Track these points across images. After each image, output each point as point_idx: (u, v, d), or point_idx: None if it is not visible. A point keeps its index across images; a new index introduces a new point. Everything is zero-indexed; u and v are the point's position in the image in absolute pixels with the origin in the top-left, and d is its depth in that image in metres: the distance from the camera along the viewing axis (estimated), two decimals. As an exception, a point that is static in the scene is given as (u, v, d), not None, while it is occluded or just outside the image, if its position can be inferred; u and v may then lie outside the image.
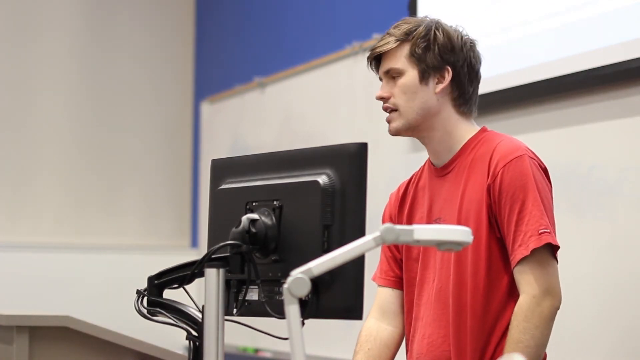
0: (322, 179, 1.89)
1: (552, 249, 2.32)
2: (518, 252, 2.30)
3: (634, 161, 3.03)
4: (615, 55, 3.08)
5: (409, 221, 2.51)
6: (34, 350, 2.32)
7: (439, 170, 2.47)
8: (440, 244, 1.73)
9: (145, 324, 2.12)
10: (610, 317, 3.06)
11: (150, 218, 5.97)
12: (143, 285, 2.04)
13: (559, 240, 2.35)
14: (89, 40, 5.85)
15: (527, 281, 2.29)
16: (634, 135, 3.06)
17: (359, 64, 4.31)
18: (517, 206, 2.31)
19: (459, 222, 2.35)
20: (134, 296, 2.03)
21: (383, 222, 2.59)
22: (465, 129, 2.45)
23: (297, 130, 4.91)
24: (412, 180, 2.57)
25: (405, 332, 2.54)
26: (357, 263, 1.80)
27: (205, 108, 5.88)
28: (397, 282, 2.56)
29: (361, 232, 1.85)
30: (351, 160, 1.89)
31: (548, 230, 2.30)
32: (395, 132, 2.46)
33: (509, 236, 2.32)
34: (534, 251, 2.28)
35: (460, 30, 2.47)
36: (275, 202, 1.96)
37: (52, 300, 5.33)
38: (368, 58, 2.49)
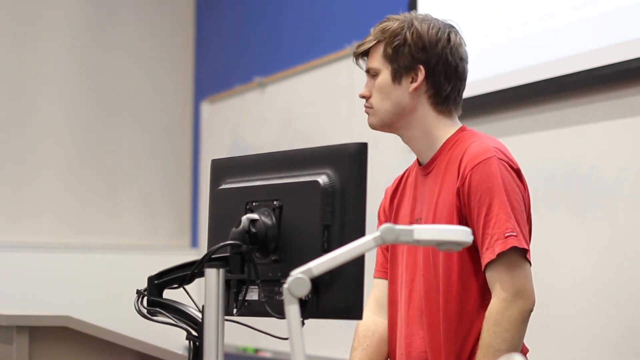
0: (322, 179, 1.89)
1: (523, 251, 2.29)
2: (486, 256, 2.28)
3: (634, 161, 3.03)
4: (615, 55, 3.08)
5: (395, 217, 2.51)
6: (34, 350, 2.32)
7: (423, 170, 2.46)
8: (440, 244, 1.73)
9: (145, 324, 2.12)
10: (610, 317, 3.06)
11: (150, 218, 5.97)
12: (143, 285, 2.04)
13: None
14: (89, 40, 5.85)
15: (496, 285, 2.28)
16: (634, 135, 3.06)
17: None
18: (484, 209, 2.29)
19: (433, 224, 2.34)
20: (134, 296, 2.02)
21: (378, 215, 2.59)
22: (444, 128, 2.43)
23: (297, 130, 4.91)
24: (404, 175, 2.57)
25: (388, 326, 2.51)
26: (357, 263, 1.80)
27: (205, 108, 5.88)
28: None
29: (361, 232, 1.84)
30: (351, 160, 1.89)
31: (514, 234, 2.27)
32: (372, 128, 2.47)
33: (478, 239, 2.29)
34: (501, 254, 2.26)
35: (441, 26, 2.41)
36: (275, 202, 1.96)
37: (52, 300, 5.33)
38: (353, 55, 2.48)
